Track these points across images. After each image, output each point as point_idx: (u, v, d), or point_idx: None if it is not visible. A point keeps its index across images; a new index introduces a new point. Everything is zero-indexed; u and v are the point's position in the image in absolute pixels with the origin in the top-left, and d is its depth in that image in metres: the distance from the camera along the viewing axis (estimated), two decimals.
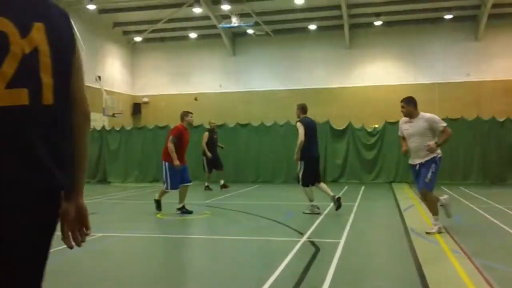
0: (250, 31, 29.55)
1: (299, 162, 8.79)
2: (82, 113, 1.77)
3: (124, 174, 17.74)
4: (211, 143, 13.84)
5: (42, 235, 1.64)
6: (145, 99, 33.95)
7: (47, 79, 1.57)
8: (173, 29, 31.68)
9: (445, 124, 6.85)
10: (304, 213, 8.86)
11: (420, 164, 6.81)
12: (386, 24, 28.52)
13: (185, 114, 9.34)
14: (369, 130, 16.78)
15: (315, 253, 5.69)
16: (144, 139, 17.56)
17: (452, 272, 4.87)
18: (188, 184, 9.19)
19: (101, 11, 29.71)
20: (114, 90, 31.47)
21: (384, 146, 16.22)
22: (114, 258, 6.06)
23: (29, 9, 1.60)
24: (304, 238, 6.50)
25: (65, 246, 1.80)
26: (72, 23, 1.79)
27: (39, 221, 1.60)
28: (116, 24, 32.12)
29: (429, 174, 6.69)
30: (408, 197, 11.73)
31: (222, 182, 14.12)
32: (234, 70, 32.22)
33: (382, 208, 9.63)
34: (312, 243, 6.22)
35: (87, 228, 1.84)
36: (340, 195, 9.02)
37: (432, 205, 6.87)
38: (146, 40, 33.36)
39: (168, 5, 27.68)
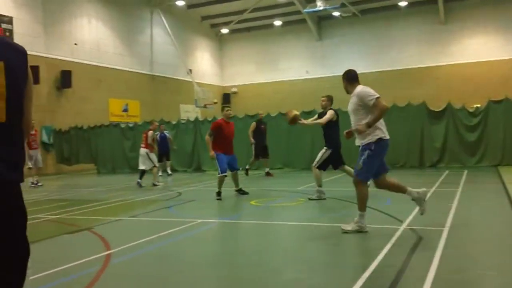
0: (336, 13, 28.90)
1: (326, 149, 9.08)
2: (26, 126, 2.23)
3: None
4: (259, 133, 14.91)
5: (10, 219, 2.09)
6: (234, 89, 34.63)
7: (2, 103, 2.04)
8: (258, 18, 31.86)
9: (375, 96, 5.75)
10: (310, 199, 9.10)
11: (359, 147, 5.96)
12: None
13: (222, 109, 10.40)
14: (471, 110, 15.71)
15: (417, 241, 5.44)
16: (235, 127, 17.82)
17: None
18: (236, 170, 10.23)
19: (190, 6, 30.61)
20: (204, 82, 32.40)
21: (488, 126, 15.12)
22: (213, 243, 6.23)
23: None
24: (404, 226, 6.24)
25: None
26: (27, 58, 2.21)
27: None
28: (204, 18, 32.98)
29: (360, 161, 5.86)
30: None
31: (267, 170, 14.99)
32: (321, 55, 31.80)
33: (488, 193, 9.00)
34: (413, 230, 5.95)
35: None
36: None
37: (359, 198, 6.00)
38: (232, 31, 33.93)
39: None
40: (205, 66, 33.88)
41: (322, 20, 31.73)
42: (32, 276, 4.56)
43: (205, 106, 29.11)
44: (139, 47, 27.78)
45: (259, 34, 33.70)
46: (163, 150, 16.81)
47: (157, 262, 5.16)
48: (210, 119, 19.00)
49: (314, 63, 31.81)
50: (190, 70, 30.47)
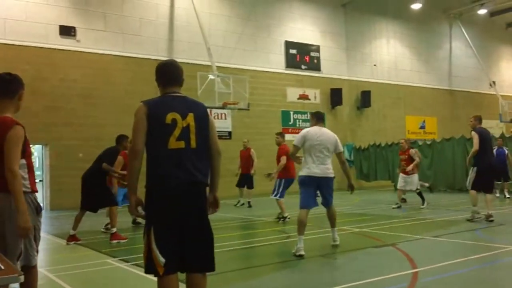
0: None
1: (472, 168, 9.56)
2: (215, 151, 3.61)
3: None
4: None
5: (199, 204, 3.46)
6: None
7: (193, 136, 3.44)
8: None
9: (294, 143, 7.15)
10: (467, 220, 9.46)
11: None
12: None
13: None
14: None
15: None
16: None
17: None
18: None
19: (493, 13, 28.36)
20: (511, 94, 29.26)
21: None
22: None
23: (187, 107, 3.49)
24: None
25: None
26: (207, 110, 3.65)
27: (194, 196, 3.41)
28: (510, 24, 29.94)
29: None
30: None
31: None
32: None
33: None
34: None
35: (217, 207, 3.66)
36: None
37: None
38: None
39: None
40: (511, 77, 30.58)
41: None
42: (350, 283, 4.99)
43: (511, 121, 26.22)
44: (436, 63, 27.12)
45: None
46: (500, 168, 14.07)
47: (472, 286, 4.92)
48: None
49: None
50: (494, 82, 27.98)
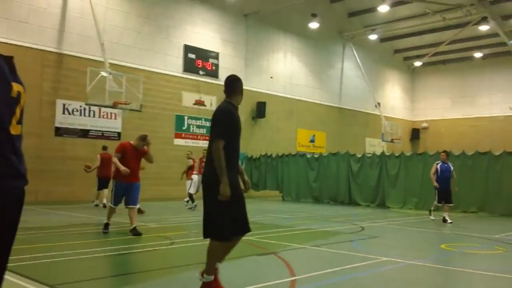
0: None
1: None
2: None
3: (403, 200, 17.41)
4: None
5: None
6: (424, 124, 33.04)
7: (22, 121, 2.35)
8: (456, 50, 30.21)
9: None
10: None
11: None
12: None
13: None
14: None
15: None
16: (424, 165, 16.93)
17: None
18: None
19: (383, 39, 30.50)
20: (393, 116, 31.64)
21: None
22: (399, 284, 5.89)
23: (17, 76, 2.36)
24: None
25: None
26: None
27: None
28: (397, 51, 32.47)
29: None
30: None
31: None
32: None
33: None
34: None
35: None
36: None
37: None
38: (426, 64, 32.69)
39: (451, 26, 26.49)
40: (394, 100, 33.12)
41: None
42: None
43: (392, 141, 28.32)
44: (329, 80, 28.49)
45: (456, 67, 31.84)
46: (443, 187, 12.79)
47: None
48: (397, 154, 18.33)
49: None
50: (379, 104, 30.07)
